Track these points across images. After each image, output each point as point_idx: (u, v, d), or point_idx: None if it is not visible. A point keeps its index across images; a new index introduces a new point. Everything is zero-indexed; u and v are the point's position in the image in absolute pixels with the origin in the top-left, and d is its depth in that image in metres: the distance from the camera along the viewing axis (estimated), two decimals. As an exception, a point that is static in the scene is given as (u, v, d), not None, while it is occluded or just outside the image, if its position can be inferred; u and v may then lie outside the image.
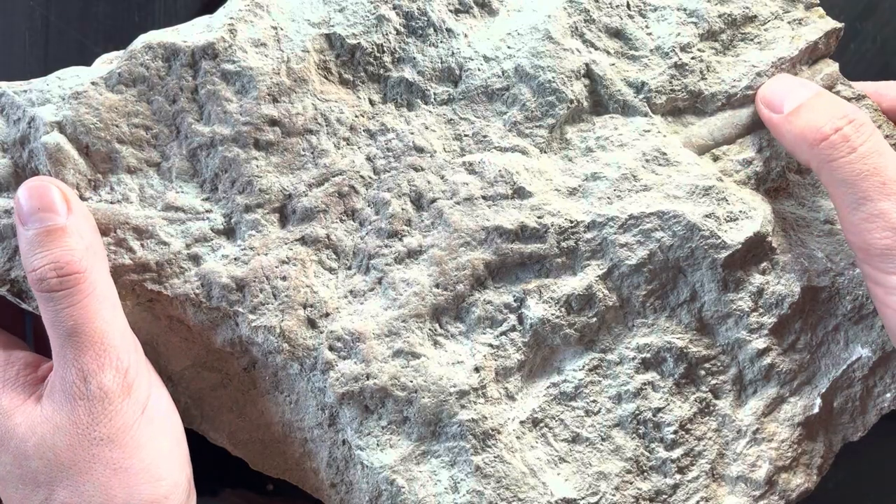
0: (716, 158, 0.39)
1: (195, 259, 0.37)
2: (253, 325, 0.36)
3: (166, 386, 0.36)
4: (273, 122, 0.36)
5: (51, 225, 0.31)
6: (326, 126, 0.37)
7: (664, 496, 0.39)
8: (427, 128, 0.37)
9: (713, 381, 0.39)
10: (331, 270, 0.37)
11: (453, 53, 0.37)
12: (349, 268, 0.38)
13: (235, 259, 0.36)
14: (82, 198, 0.36)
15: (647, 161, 0.37)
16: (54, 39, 0.47)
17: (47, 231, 0.31)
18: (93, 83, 0.36)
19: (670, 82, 0.38)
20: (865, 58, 0.46)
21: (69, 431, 0.31)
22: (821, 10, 0.40)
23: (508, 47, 0.37)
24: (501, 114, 0.38)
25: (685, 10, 0.38)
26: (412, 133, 0.37)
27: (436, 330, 0.37)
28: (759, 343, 0.38)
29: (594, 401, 0.38)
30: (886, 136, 0.39)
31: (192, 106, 0.36)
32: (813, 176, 0.40)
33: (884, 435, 0.44)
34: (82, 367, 0.31)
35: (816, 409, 0.40)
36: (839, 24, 0.39)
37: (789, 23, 0.39)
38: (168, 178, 0.37)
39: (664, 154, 0.37)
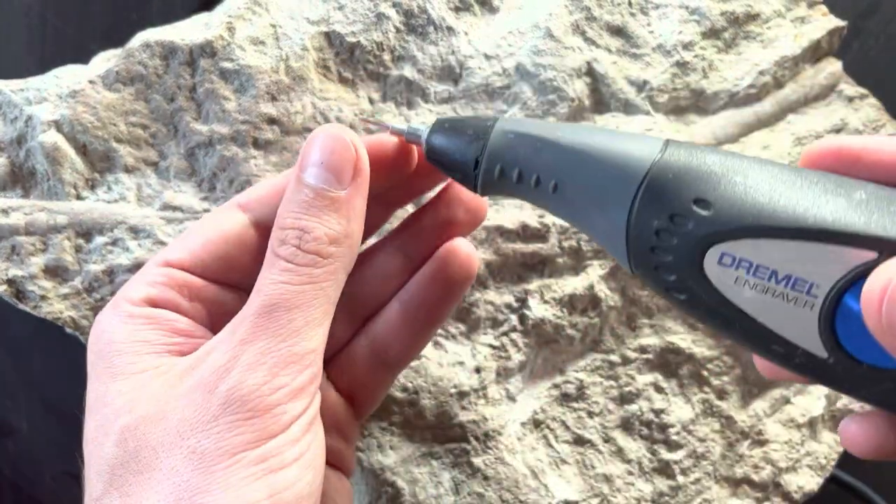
0: (718, 157, 0.39)
1: (193, 259, 0.36)
2: (252, 325, 0.36)
3: None
4: (272, 121, 0.36)
5: (326, 190, 0.26)
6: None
7: (666, 498, 0.38)
8: (427, 126, 0.37)
9: (717, 382, 0.39)
10: (330, 270, 0.37)
11: (454, 51, 0.37)
12: (349, 268, 0.37)
13: (234, 259, 0.36)
14: (79, 197, 0.36)
15: (649, 160, 0.37)
16: (52, 38, 0.47)
17: (320, 194, 0.26)
18: (90, 82, 0.35)
19: (672, 81, 0.38)
20: (869, 56, 0.46)
21: (199, 427, 0.23)
22: (824, 8, 0.40)
23: (509, 45, 0.37)
24: (502, 112, 0.37)
25: (687, 7, 0.38)
26: (412, 132, 0.37)
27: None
28: (763, 343, 0.38)
29: (596, 402, 0.38)
30: (889, 135, 0.39)
31: (191, 104, 0.36)
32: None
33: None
34: (267, 350, 0.24)
35: (820, 410, 0.39)
36: (842, 22, 0.39)
37: (792, 21, 0.39)
38: (166, 177, 0.37)
39: (666, 153, 0.37)
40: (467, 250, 0.30)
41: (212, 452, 0.23)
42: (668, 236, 0.22)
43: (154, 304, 0.26)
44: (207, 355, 0.24)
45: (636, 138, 0.24)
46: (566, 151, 0.24)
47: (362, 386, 0.31)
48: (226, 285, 0.28)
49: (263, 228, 0.27)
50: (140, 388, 0.24)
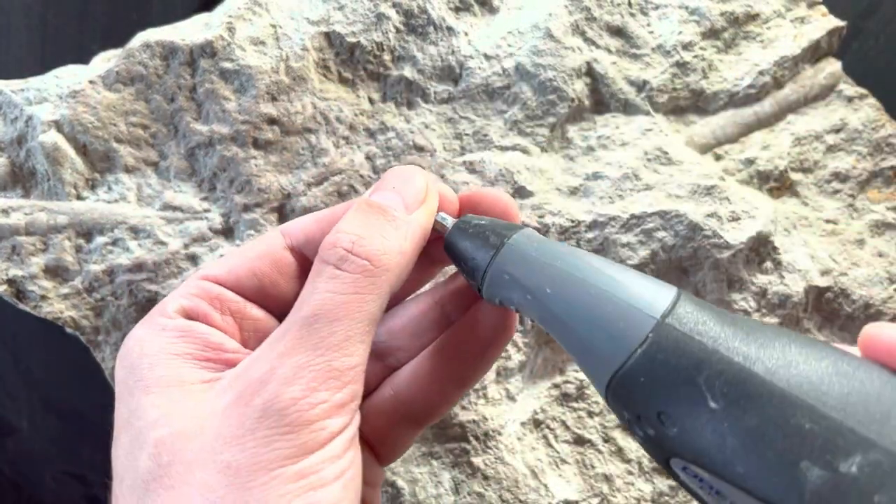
0: (718, 157, 0.39)
1: (193, 259, 0.36)
2: (252, 325, 0.36)
3: None
4: (272, 121, 0.36)
5: (392, 209, 0.25)
6: (326, 125, 0.37)
7: (666, 498, 0.38)
8: (427, 126, 0.37)
9: (716, 382, 0.39)
10: (330, 270, 0.37)
11: (453, 51, 0.37)
12: (349, 268, 0.37)
13: (234, 259, 0.36)
14: (80, 197, 0.36)
15: (648, 160, 0.37)
16: (52, 38, 0.47)
17: (384, 210, 0.25)
18: (90, 82, 0.35)
19: (672, 81, 0.38)
20: (868, 56, 0.46)
21: (236, 444, 0.22)
22: (823, 9, 0.40)
23: (509, 45, 0.37)
24: (502, 112, 0.37)
25: (687, 8, 0.38)
26: (412, 132, 0.37)
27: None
28: (762, 343, 0.38)
29: (596, 402, 0.38)
30: (889, 136, 0.39)
31: (191, 105, 0.36)
32: (816, 175, 0.39)
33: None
34: (307, 364, 0.23)
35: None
36: (842, 23, 0.39)
37: (792, 21, 0.39)
38: (166, 177, 0.37)
39: (666, 153, 0.37)
40: (505, 312, 0.29)
41: (247, 467, 0.22)
42: (637, 425, 0.22)
43: (187, 314, 0.26)
44: (246, 369, 0.24)
45: (627, 313, 0.22)
46: (552, 315, 0.23)
47: (385, 435, 0.29)
48: (259, 305, 0.27)
49: (300, 255, 0.27)
50: (175, 402, 0.24)
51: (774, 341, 0.20)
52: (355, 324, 0.24)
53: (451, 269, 0.33)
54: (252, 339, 0.26)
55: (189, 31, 0.36)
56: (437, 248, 0.27)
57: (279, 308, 0.27)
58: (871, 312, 0.39)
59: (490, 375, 0.37)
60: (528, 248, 0.24)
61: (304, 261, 0.27)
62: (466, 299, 0.29)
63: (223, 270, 0.27)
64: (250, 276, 0.27)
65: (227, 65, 0.35)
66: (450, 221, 0.27)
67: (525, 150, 0.37)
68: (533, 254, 0.24)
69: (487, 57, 0.37)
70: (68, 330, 0.37)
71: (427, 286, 0.31)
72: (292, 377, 0.23)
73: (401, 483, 0.37)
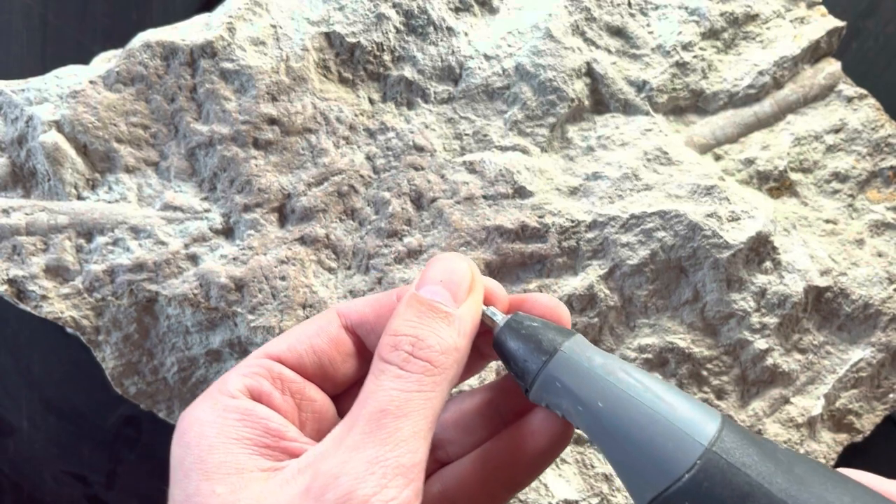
0: (718, 158, 0.39)
1: (193, 259, 0.36)
2: (252, 325, 0.36)
3: None
4: (272, 121, 0.36)
5: (442, 304, 0.27)
6: (326, 125, 0.37)
7: (666, 497, 0.38)
8: (427, 127, 0.37)
9: (716, 382, 0.39)
10: (330, 270, 0.37)
11: (453, 52, 0.37)
12: (348, 267, 0.37)
13: (234, 259, 0.36)
14: (80, 197, 0.36)
15: (648, 160, 0.37)
16: (52, 38, 0.47)
17: (435, 308, 0.27)
18: (91, 82, 0.35)
19: (672, 81, 0.38)
20: (868, 56, 0.46)
21: None
22: (823, 9, 0.40)
23: (509, 46, 0.37)
24: (502, 112, 0.37)
25: (686, 8, 0.38)
26: (412, 132, 0.37)
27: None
28: (762, 343, 0.38)
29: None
30: (888, 136, 0.39)
31: (191, 105, 0.36)
32: (815, 175, 0.40)
33: (887, 435, 0.43)
34: (376, 459, 0.23)
35: (819, 410, 0.39)
36: (841, 23, 0.39)
37: (791, 21, 0.39)
38: (166, 177, 0.37)
39: (666, 153, 0.37)
40: (562, 423, 0.29)
41: None
42: None
43: (250, 394, 0.26)
44: (315, 462, 0.24)
45: (677, 437, 0.23)
46: (602, 430, 0.24)
47: None
48: (316, 383, 0.28)
49: (354, 335, 0.29)
50: (238, 491, 0.24)
51: (813, 477, 0.22)
52: (420, 420, 0.25)
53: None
54: (309, 420, 0.27)
55: (189, 31, 0.36)
56: (485, 342, 0.28)
57: (334, 387, 0.28)
58: (870, 312, 0.39)
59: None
60: (580, 359, 0.25)
61: (359, 341, 0.28)
62: (520, 403, 0.29)
63: (284, 348, 0.28)
64: (310, 353, 0.28)
65: (228, 65, 0.35)
66: (500, 317, 0.27)
67: (525, 150, 0.37)
68: (585, 365, 0.25)
69: (487, 57, 0.37)
70: (69, 330, 0.37)
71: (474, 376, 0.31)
72: (364, 473, 0.23)
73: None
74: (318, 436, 0.27)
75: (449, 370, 0.26)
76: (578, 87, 0.37)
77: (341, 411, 0.28)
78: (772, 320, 0.38)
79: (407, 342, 0.25)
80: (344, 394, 0.29)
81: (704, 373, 0.38)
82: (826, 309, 0.39)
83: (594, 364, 0.25)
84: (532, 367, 0.26)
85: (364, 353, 0.29)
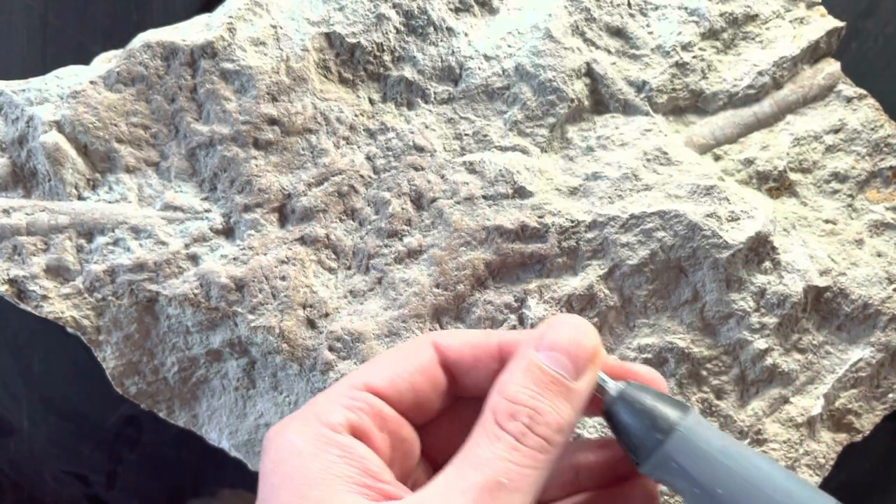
0: (717, 158, 0.39)
1: (194, 259, 0.36)
2: (252, 325, 0.36)
3: None
4: (272, 122, 0.36)
5: (565, 378, 0.26)
6: (326, 125, 0.37)
7: (666, 497, 0.38)
8: (427, 127, 0.37)
9: (715, 382, 0.39)
10: (330, 270, 0.37)
11: (453, 52, 0.37)
12: (349, 268, 0.37)
13: (234, 259, 0.36)
14: (81, 197, 0.36)
15: (648, 160, 0.37)
16: (53, 38, 0.47)
17: (557, 381, 0.26)
18: (91, 82, 0.35)
19: (671, 81, 0.38)
20: (867, 57, 0.46)
21: None
22: (822, 9, 0.40)
23: (509, 46, 0.37)
24: (502, 113, 0.37)
25: (686, 8, 0.38)
26: (412, 132, 0.37)
27: (436, 330, 0.37)
28: (762, 343, 0.38)
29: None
30: (888, 136, 0.39)
31: (191, 105, 0.36)
32: (815, 175, 0.40)
33: (887, 435, 0.43)
34: None
35: (819, 410, 0.39)
36: (841, 23, 0.39)
37: (791, 21, 0.39)
38: (167, 177, 0.37)
39: (665, 153, 0.37)
40: (652, 489, 0.29)
41: None
42: None
43: (353, 431, 0.26)
44: None
45: None
46: None
47: None
48: (409, 419, 0.28)
49: (448, 372, 0.28)
50: None
51: None
52: (528, 496, 0.25)
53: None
54: (398, 458, 0.27)
55: (190, 31, 0.36)
56: (589, 404, 0.27)
57: (422, 421, 0.28)
58: (869, 312, 0.39)
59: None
60: (698, 441, 0.25)
61: (452, 378, 0.28)
62: (607, 475, 0.29)
63: (385, 382, 0.27)
64: (410, 390, 0.28)
65: (228, 65, 0.36)
66: (611, 385, 0.27)
67: (525, 151, 0.37)
68: (704, 447, 0.25)
69: (487, 57, 0.37)
70: (69, 330, 0.37)
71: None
72: None
73: (401, 482, 0.37)
74: (402, 473, 0.27)
75: (561, 446, 0.26)
76: (578, 88, 0.37)
77: (422, 443, 0.29)
78: (771, 320, 0.38)
79: (525, 414, 0.25)
80: (426, 426, 0.29)
81: (704, 373, 0.38)
82: (825, 309, 0.39)
83: (712, 446, 0.25)
84: (648, 444, 0.25)
85: (452, 390, 0.28)
